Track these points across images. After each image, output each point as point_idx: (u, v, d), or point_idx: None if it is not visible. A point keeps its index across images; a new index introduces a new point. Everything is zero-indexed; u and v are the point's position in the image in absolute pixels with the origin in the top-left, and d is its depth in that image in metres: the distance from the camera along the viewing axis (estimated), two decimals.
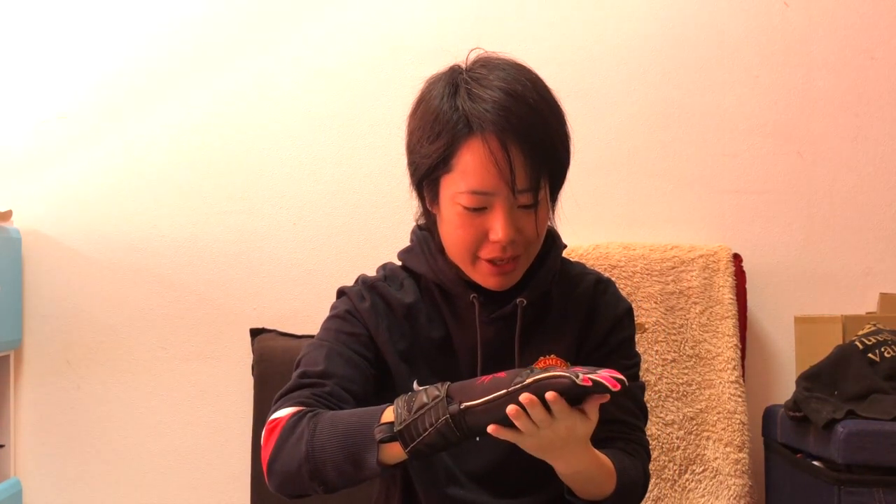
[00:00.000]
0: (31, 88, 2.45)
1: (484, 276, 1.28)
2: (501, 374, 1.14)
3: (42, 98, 2.45)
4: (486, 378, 1.15)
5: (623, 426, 1.35)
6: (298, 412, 1.22)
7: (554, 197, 1.31)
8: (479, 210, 1.24)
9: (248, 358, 2.36)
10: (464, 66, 1.29)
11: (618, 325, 1.38)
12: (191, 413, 2.43)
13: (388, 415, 1.16)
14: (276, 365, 2.23)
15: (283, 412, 1.23)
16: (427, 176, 1.28)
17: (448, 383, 1.16)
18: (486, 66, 1.27)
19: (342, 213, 2.44)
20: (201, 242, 2.44)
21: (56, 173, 2.45)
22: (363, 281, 1.38)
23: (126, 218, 2.45)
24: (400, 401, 1.16)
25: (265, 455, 1.23)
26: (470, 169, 1.22)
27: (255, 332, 2.37)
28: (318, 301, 2.33)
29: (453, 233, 1.27)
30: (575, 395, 1.09)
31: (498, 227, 1.23)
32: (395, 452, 1.15)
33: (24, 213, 2.43)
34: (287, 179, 2.44)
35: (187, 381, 2.43)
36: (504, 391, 1.10)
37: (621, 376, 1.08)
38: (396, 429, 1.13)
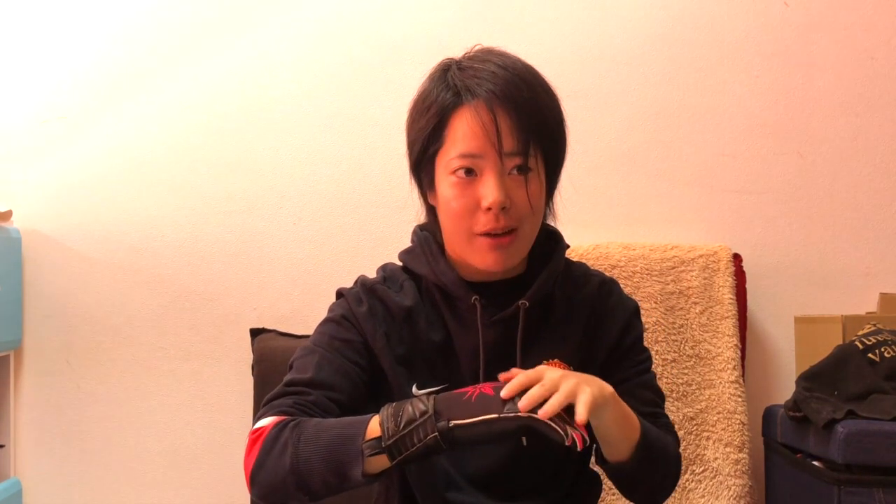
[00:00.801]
0: (32, 88, 2.45)
1: (482, 254, 1.28)
2: (488, 391, 1.15)
3: (42, 98, 2.45)
4: (474, 392, 1.15)
5: (647, 417, 1.35)
6: (281, 422, 1.22)
7: (550, 178, 1.32)
8: (470, 175, 1.25)
9: (248, 358, 2.36)
10: (462, 55, 1.33)
11: (628, 326, 1.39)
12: (191, 413, 2.43)
13: (374, 427, 1.16)
14: (276, 365, 2.23)
15: (266, 421, 1.23)
16: (423, 155, 1.29)
17: (434, 396, 1.16)
18: (484, 52, 1.31)
19: (342, 213, 2.44)
20: (201, 242, 2.44)
21: (56, 174, 2.45)
22: (362, 283, 1.37)
23: (126, 218, 2.45)
24: (385, 413, 1.16)
25: (248, 465, 1.23)
26: (459, 136, 1.25)
27: (255, 332, 2.37)
28: (318, 301, 2.33)
29: (449, 209, 1.27)
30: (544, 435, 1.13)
31: (488, 192, 1.24)
32: (380, 463, 1.16)
33: (24, 213, 2.43)
34: (287, 179, 2.44)
35: (187, 381, 2.44)
36: (495, 416, 1.12)
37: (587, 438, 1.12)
38: (385, 444, 1.14)
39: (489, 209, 1.24)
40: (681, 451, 1.41)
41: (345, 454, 1.16)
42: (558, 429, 1.10)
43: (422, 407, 1.14)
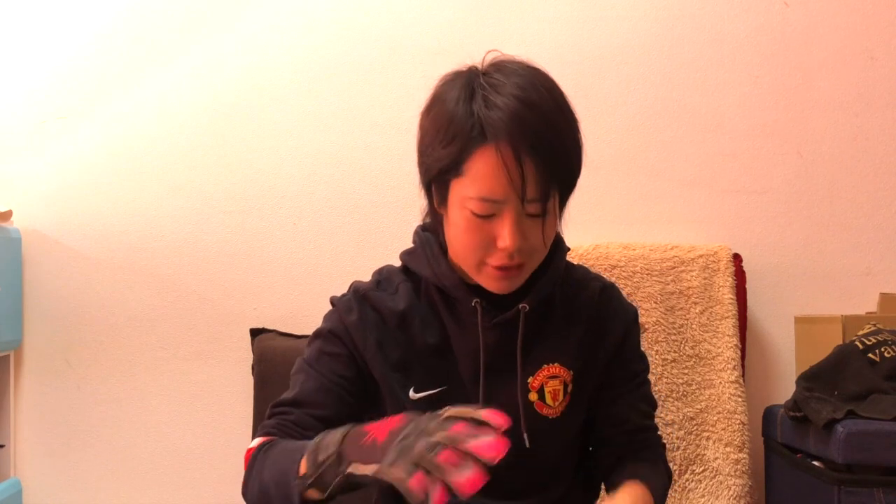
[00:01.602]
0: (31, 88, 2.46)
1: (488, 280, 1.27)
2: (382, 436, 1.05)
3: (41, 98, 2.45)
4: (374, 435, 1.07)
5: (646, 432, 1.37)
6: (262, 444, 1.25)
7: (563, 205, 1.30)
8: (488, 217, 1.22)
9: (248, 358, 2.36)
10: (480, 68, 1.26)
11: (629, 332, 1.39)
12: (191, 413, 2.43)
13: (304, 463, 1.14)
14: (276, 365, 2.23)
15: (254, 443, 1.27)
16: (437, 178, 1.26)
17: (347, 430, 1.10)
18: (503, 72, 1.24)
19: (342, 213, 2.44)
20: (201, 242, 2.45)
21: (56, 174, 2.45)
22: (354, 290, 1.36)
23: (126, 218, 2.45)
24: (312, 446, 1.13)
25: (242, 485, 1.27)
26: (481, 175, 1.20)
27: (255, 332, 2.37)
28: (318, 301, 2.31)
29: (461, 237, 1.26)
30: None
31: (506, 235, 1.21)
32: (317, 494, 1.14)
33: (24, 213, 2.43)
34: (287, 179, 2.44)
35: (187, 381, 2.44)
36: (377, 466, 1.03)
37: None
38: (307, 483, 1.12)
39: (503, 249, 1.23)
40: (670, 456, 1.42)
41: (287, 486, 1.16)
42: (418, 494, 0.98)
43: (331, 448, 1.10)
